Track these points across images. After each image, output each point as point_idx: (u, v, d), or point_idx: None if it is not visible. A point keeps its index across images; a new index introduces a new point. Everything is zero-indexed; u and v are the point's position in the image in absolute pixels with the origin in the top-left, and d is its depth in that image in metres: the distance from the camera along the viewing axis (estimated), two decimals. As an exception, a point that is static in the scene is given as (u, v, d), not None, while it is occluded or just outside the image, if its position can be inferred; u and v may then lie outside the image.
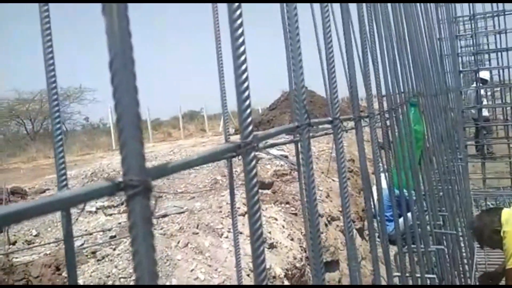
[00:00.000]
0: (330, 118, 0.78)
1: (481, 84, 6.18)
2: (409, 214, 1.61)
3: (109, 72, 0.28)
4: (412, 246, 1.59)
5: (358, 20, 1.10)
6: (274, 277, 2.43)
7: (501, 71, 6.16)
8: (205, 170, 5.64)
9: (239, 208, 2.89)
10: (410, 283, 1.50)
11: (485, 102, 7.17)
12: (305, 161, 0.63)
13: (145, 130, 18.67)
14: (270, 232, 2.72)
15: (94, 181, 5.37)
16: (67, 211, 0.41)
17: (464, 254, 3.07)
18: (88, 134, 19.58)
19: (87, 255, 2.55)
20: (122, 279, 2.20)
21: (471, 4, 5.50)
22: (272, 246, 2.66)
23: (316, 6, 0.85)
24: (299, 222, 3.11)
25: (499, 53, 5.79)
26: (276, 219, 2.93)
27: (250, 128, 0.45)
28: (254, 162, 0.46)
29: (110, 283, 2.09)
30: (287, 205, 3.26)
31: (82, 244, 2.75)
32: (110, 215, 3.58)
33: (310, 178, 0.64)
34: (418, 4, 2.69)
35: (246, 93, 0.45)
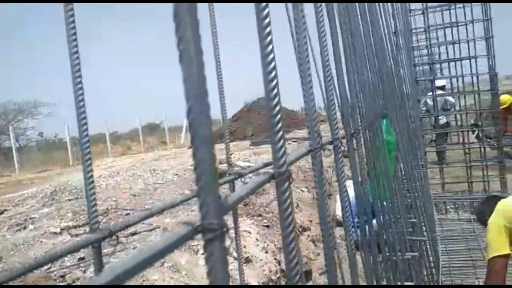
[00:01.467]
0: (330, 139, 0.79)
1: (438, 92, 6.47)
2: (374, 221, 1.65)
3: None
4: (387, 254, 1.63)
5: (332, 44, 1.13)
6: (251, 291, 2.42)
7: (454, 79, 6.47)
8: (172, 185, 5.56)
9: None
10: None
11: (452, 109, 7.49)
12: (318, 183, 0.64)
13: (103, 144, 18.19)
14: (245, 246, 2.72)
15: (55, 200, 5.17)
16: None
17: (431, 258, 3.18)
18: (43, 150, 18.85)
19: (55, 279, 2.45)
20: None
21: (425, 16, 5.76)
22: (247, 261, 2.65)
23: (313, 33, 0.87)
24: (271, 234, 3.13)
25: (452, 63, 6.09)
26: (249, 232, 2.92)
27: (284, 158, 0.46)
28: (288, 192, 0.46)
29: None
30: (259, 218, 3.27)
31: (49, 268, 2.63)
32: (76, 235, 3.45)
33: (323, 198, 0.64)
34: (379, 16, 2.79)
35: (279, 126, 0.45)
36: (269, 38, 0.45)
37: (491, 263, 2.25)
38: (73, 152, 14.88)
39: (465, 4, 5.52)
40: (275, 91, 0.45)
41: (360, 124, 1.26)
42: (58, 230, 3.56)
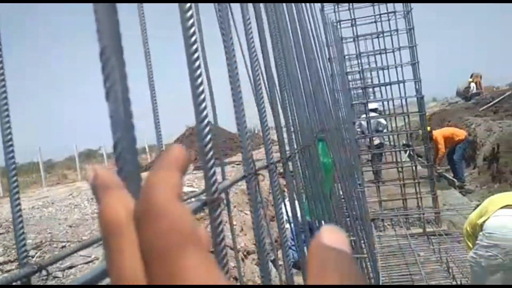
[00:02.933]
0: (265, 164, 0.82)
1: (371, 114, 6.81)
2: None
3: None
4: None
5: (274, 67, 1.18)
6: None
7: (385, 102, 6.86)
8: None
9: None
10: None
11: (385, 130, 7.90)
12: (254, 207, 0.66)
13: (36, 174, 17.18)
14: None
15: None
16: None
17: (371, 274, 3.29)
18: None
19: None
20: None
21: (356, 43, 6.10)
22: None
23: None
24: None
25: (383, 87, 6.46)
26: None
27: (216, 185, 0.48)
28: (221, 217, 0.48)
29: None
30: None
31: None
32: (8, 271, 3.22)
33: (257, 221, 0.67)
34: (314, 43, 2.92)
35: (210, 153, 0.47)
36: (196, 55, 0.44)
37: None
38: (2, 184, 13.94)
39: (393, 32, 5.91)
40: (204, 114, 0.46)
41: (296, 147, 1.30)
42: None
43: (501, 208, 2.54)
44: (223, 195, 0.51)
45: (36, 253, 3.73)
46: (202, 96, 0.47)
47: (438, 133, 8.97)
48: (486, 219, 2.57)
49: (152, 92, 0.94)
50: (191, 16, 0.43)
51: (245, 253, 3.48)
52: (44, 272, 0.44)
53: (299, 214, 1.28)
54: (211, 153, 0.47)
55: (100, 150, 23.23)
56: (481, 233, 2.62)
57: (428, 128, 6.21)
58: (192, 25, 0.43)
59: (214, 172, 0.47)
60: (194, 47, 0.43)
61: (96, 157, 24.23)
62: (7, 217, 5.72)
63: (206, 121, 0.47)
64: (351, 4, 5.92)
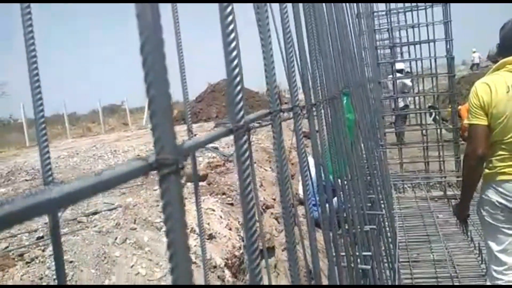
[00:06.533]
0: (290, 106, 0.80)
1: (397, 75, 6.63)
2: (334, 199, 1.70)
3: (141, 56, 0.28)
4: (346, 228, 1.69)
5: (301, 22, 1.14)
6: (214, 266, 2.45)
7: (413, 63, 6.64)
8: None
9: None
10: (349, 260, 1.60)
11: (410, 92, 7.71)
12: (277, 145, 0.65)
13: (61, 126, 17.57)
14: (208, 223, 2.73)
15: (11, 180, 4.99)
16: (101, 192, 0.40)
17: (388, 233, 3.30)
18: (-3, 131, 18.06)
19: (14, 258, 2.38)
20: (56, 281, 2.09)
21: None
22: (211, 237, 2.67)
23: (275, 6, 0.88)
24: (235, 211, 3.15)
25: (411, 46, 6.25)
26: (213, 210, 2.94)
27: (242, 112, 0.46)
28: (246, 145, 0.47)
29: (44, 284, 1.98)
30: (223, 196, 3.29)
31: (7, 247, 2.56)
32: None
33: (282, 163, 0.66)
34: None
35: (238, 79, 0.46)
36: (230, 18, 0.45)
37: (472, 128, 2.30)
38: (29, 134, 14.32)
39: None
40: (233, 45, 0.45)
41: (321, 97, 1.28)
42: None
43: None
44: (255, 148, 0.50)
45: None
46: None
47: (463, 108, 8.69)
48: None
49: (179, 49, 0.92)
50: None
51: (263, 207, 3.53)
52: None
53: (322, 172, 1.27)
54: (237, 79, 0.46)
55: (123, 105, 23.48)
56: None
57: (457, 107, 5.94)
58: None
59: (241, 99, 0.46)
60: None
61: (119, 112, 24.56)
62: (33, 165, 5.91)
63: (235, 53, 0.46)
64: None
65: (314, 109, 1.10)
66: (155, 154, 0.29)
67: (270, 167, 4.99)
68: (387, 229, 3.27)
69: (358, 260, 1.63)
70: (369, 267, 1.72)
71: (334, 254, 1.48)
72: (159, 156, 0.29)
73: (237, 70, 0.45)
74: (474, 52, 21.22)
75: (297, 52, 1.15)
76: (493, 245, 2.36)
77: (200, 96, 12.87)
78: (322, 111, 1.35)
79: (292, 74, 0.88)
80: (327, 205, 1.63)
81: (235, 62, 0.46)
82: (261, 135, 6.43)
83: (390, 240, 3.31)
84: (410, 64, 7.02)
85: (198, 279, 2.14)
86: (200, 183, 3.64)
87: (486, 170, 2.37)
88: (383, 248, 2.90)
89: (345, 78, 2.17)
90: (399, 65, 7.01)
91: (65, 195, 0.24)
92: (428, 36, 5.73)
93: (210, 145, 5.78)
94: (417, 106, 7.32)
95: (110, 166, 5.68)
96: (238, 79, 0.46)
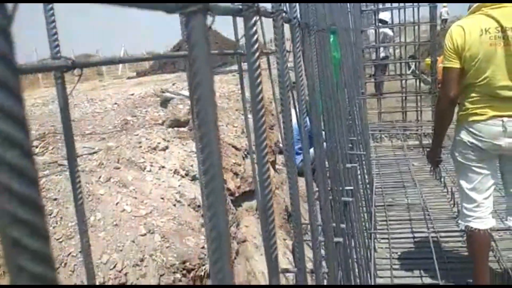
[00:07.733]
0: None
1: (380, 25, 6.58)
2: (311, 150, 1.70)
3: None
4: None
5: None
6: (198, 206, 2.48)
7: (396, 15, 6.58)
8: (113, 111, 5.39)
9: (159, 143, 2.85)
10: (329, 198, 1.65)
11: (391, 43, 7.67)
12: (279, 46, 0.64)
13: (33, 75, 16.99)
14: (192, 165, 2.75)
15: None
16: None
17: (366, 176, 3.40)
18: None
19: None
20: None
21: None
22: (194, 178, 2.69)
23: None
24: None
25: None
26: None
27: (253, -9, 0.45)
28: (255, 28, 0.46)
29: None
30: (205, 140, 3.28)
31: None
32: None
33: (283, 60, 0.65)
34: None
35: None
36: None
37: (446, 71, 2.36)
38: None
39: None
40: None
41: (310, 24, 1.26)
42: None
43: None
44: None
45: (39, 143, 3.80)
46: None
47: (440, 60, 8.72)
48: None
49: None
50: None
51: (245, 153, 3.55)
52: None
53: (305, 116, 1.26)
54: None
55: (97, 53, 22.73)
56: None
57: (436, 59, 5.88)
58: None
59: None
60: None
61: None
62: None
63: None
64: None
65: (308, 33, 1.08)
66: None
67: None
68: (365, 171, 3.36)
69: (342, 193, 1.68)
70: (351, 199, 1.78)
71: (315, 189, 1.51)
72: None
73: None
74: (444, 6, 18.72)
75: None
76: (464, 183, 2.46)
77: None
78: (311, 40, 1.33)
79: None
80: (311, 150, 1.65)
81: None
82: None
83: (366, 177, 3.41)
84: (391, 13, 6.96)
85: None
86: (181, 129, 3.62)
87: (460, 113, 2.43)
88: (361, 188, 3.00)
89: (332, 16, 2.14)
90: (383, 15, 6.94)
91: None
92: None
93: (187, 93, 5.71)
94: (398, 57, 7.33)
95: (86, 114, 5.59)
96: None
